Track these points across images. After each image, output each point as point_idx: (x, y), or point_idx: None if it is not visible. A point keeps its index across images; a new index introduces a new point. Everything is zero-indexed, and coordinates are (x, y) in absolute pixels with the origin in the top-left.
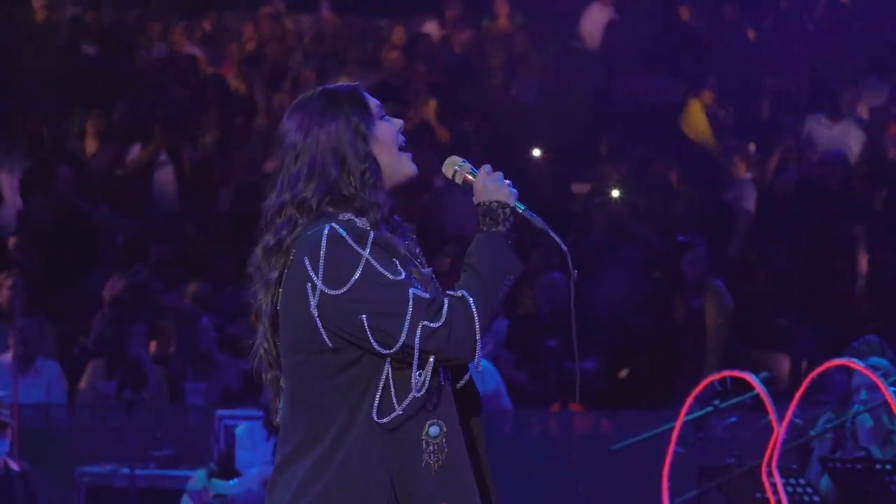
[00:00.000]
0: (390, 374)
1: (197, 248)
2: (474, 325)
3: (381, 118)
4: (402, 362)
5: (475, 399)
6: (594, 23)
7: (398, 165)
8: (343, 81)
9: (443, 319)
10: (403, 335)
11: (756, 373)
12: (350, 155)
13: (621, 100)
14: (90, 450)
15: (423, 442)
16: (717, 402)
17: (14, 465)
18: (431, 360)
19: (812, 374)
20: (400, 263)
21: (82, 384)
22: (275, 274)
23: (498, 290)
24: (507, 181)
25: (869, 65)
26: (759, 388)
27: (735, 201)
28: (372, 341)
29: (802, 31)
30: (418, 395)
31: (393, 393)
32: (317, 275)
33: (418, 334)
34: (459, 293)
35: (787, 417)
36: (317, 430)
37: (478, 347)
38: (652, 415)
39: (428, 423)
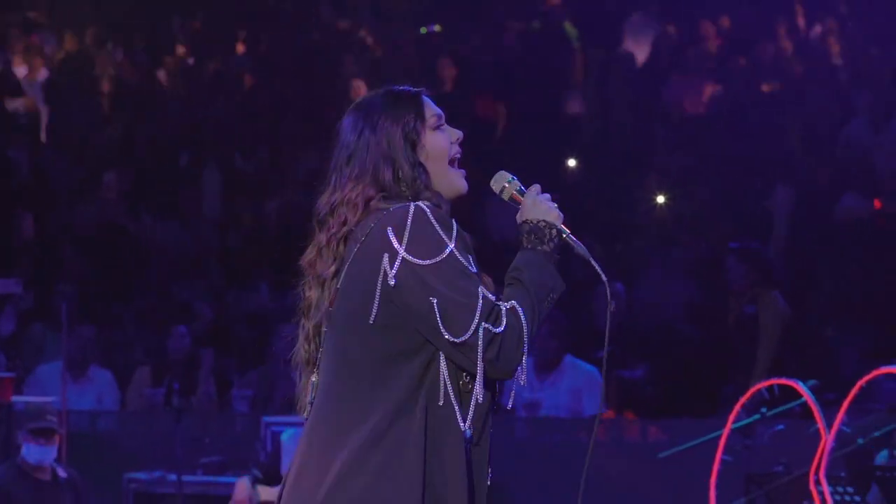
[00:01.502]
0: (446, 373)
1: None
2: (523, 341)
3: (437, 128)
4: (455, 358)
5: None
6: (638, 31)
7: (446, 180)
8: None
9: (502, 327)
10: (471, 330)
11: (804, 380)
12: (400, 160)
13: (666, 106)
14: (138, 456)
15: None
16: (764, 409)
17: (62, 472)
18: (481, 367)
19: (860, 382)
20: (472, 260)
21: (130, 391)
22: (331, 269)
23: (543, 307)
24: (555, 204)
25: None
26: (807, 396)
27: (779, 209)
28: (440, 324)
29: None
30: (482, 400)
31: (450, 391)
32: (401, 244)
33: (481, 334)
34: (510, 304)
35: (835, 425)
36: (357, 417)
37: (523, 362)
38: (700, 422)
39: (466, 424)
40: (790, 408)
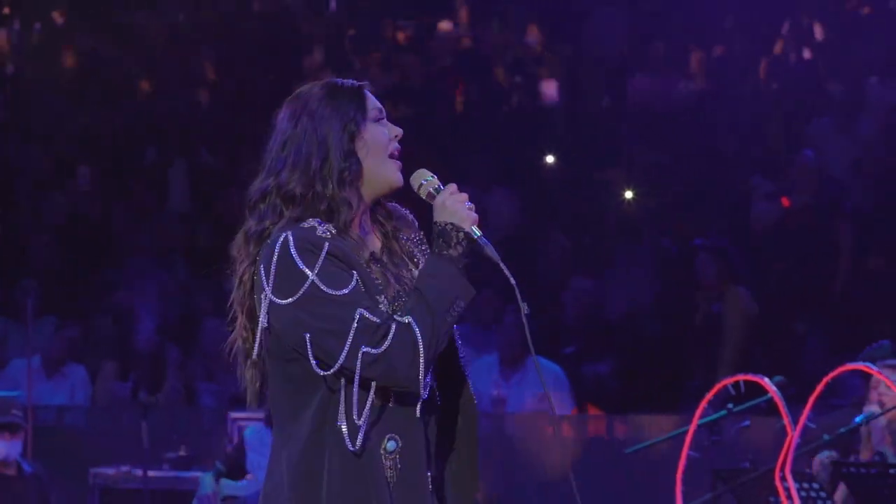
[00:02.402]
0: (347, 390)
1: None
2: (418, 354)
3: (376, 121)
4: (343, 382)
5: (461, 408)
6: (606, 26)
7: (382, 171)
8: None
9: (385, 346)
10: (342, 357)
11: (770, 376)
12: (333, 150)
13: (635, 101)
14: (104, 451)
15: (382, 456)
16: (730, 405)
17: (27, 466)
18: (373, 384)
19: (826, 378)
20: (358, 274)
21: (96, 386)
22: (243, 267)
23: (445, 317)
24: (470, 204)
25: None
26: (773, 392)
27: (751, 205)
28: (311, 359)
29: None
30: (358, 420)
31: (351, 408)
32: (268, 283)
33: (359, 359)
34: (406, 320)
35: (801, 422)
36: (283, 437)
37: (421, 376)
38: (666, 418)
39: (386, 437)
40: (756, 404)
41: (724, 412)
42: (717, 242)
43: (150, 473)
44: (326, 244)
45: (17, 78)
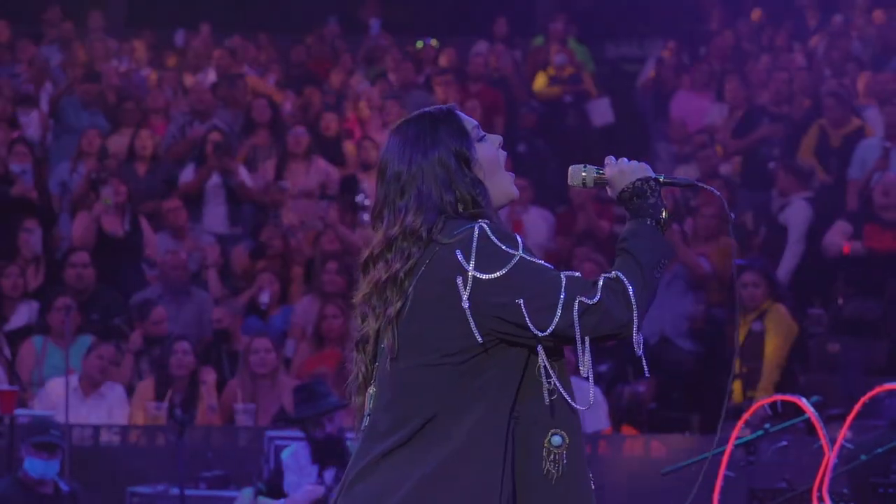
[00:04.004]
0: (527, 372)
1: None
2: (630, 303)
3: (480, 139)
4: (557, 343)
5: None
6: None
7: (501, 187)
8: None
9: (598, 296)
10: (559, 311)
11: (807, 396)
12: (458, 182)
13: (669, 120)
14: (140, 470)
15: (545, 450)
16: (767, 425)
17: (64, 486)
18: (587, 340)
19: (864, 399)
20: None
21: (132, 405)
22: (396, 307)
23: (654, 273)
24: (634, 161)
25: None
26: (810, 412)
27: (788, 223)
28: (528, 322)
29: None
30: (585, 375)
31: (531, 389)
32: (469, 264)
33: (576, 309)
34: (613, 274)
35: (838, 442)
36: (431, 435)
37: (636, 321)
38: (703, 438)
39: (550, 431)
40: (793, 424)
41: (761, 432)
42: (762, 261)
43: (187, 492)
44: (519, 237)
45: (56, 98)
